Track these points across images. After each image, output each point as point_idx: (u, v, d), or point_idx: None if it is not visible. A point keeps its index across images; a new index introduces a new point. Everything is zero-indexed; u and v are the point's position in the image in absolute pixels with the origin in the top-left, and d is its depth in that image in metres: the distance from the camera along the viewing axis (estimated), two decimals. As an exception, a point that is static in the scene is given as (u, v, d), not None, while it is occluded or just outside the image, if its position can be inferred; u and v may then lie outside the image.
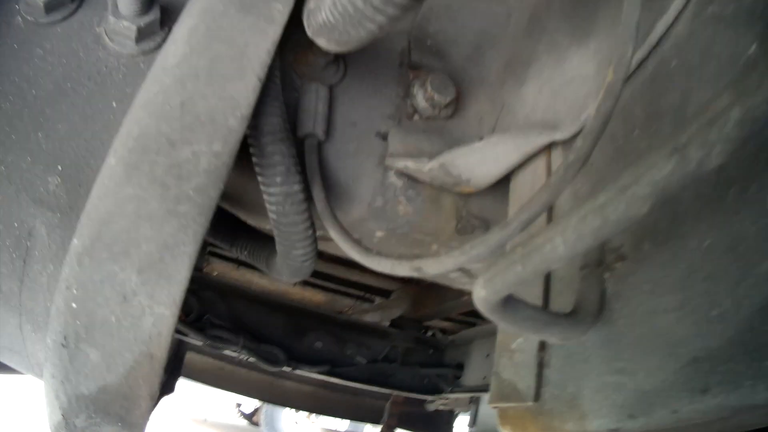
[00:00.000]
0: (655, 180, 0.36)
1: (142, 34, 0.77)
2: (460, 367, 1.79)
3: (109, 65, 0.78)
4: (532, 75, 0.81)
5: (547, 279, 0.70)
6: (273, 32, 0.71)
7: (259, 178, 0.73)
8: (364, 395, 2.24)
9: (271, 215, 0.74)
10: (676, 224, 0.58)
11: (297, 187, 0.72)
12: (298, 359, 1.67)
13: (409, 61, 0.90)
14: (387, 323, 2.03)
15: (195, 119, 0.66)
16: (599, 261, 0.66)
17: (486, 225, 0.85)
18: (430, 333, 2.13)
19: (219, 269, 2.04)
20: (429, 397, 2.00)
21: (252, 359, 1.63)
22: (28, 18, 0.80)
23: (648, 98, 0.65)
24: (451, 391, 1.80)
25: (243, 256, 0.92)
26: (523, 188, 0.79)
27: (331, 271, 1.89)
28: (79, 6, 0.81)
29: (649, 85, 0.65)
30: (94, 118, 0.76)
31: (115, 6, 0.76)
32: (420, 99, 0.84)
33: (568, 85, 0.73)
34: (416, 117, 0.86)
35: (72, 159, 0.74)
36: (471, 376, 1.72)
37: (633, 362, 0.59)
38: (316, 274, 0.87)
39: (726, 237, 0.52)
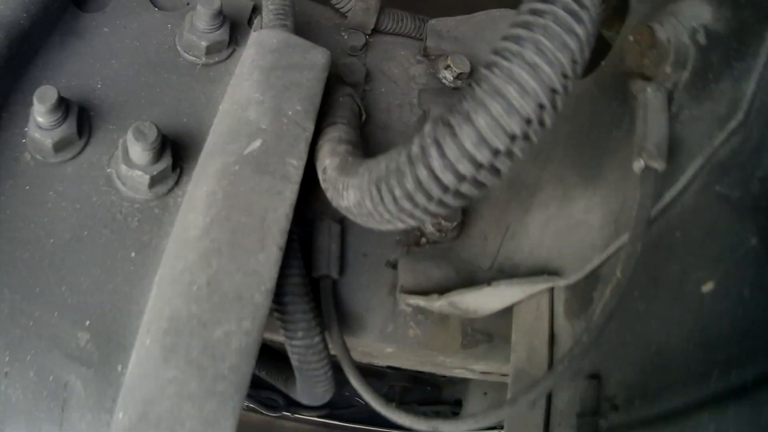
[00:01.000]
0: None
1: (154, 182, 0.88)
2: (458, 403, 1.97)
3: (124, 211, 0.90)
4: (537, 205, 0.95)
5: (546, 426, 0.86)
6: (290, 193, 0.83)
7: (282, 330, 0.87)
8: (364, 435, 2.43)
9: (294, 361, 0.89)
10: (665, 392, 0.73)
11: (317, 339, 0.86)
12: (297, 404, 1.84)
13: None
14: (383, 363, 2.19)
15: (223, 298, 0.78)
16: (595, 410, 0.82)
17: (489, 338, 1.00)
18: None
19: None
20: (428, 434, 2.18)
21: (251, 405, 1.80)
22: (37, 156, 0.91)
23: (650, 263, 0.79)
24: (451, 428, 1.98)
25: (262, 375, 1.07)
26: (526, 314, 0.94)
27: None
28: (86, 143, 0.92)
29: (652, 251, 0.79)
30: (115, 269, 0.88)
31: (126, 154, 0.87)
32: (428, 225, 0.97)
33: (573, 230, 0.87)
34: (423, 241, 0.99)
35: (98, 314, 0.86)
36: (470, 412, 1.91)
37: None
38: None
39: (707, 420, 0.67)
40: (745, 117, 0.69)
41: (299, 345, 0.86)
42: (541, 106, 0.54)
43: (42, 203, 0.89)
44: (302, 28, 1.09)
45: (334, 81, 0.99)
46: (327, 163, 0.81)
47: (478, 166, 0.56)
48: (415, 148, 0.60)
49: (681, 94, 0.77)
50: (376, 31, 1.17)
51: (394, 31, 1.18)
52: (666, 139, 0.72)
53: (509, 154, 0.56)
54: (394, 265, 0.99)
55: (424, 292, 0.94)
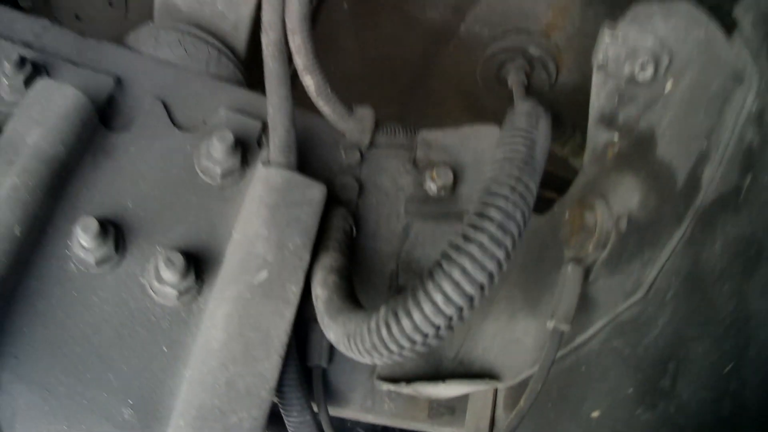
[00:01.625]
0: None
1: (181, 294, 1.16)
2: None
3: (156, 315, 1.18)
4: (492, 314, 1.24)
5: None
6: (289, 313, 1.13)
7: (280, 409, 1.18)
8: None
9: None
10: None
11: (308, 417, 1.18)
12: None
13: (397, 284, 1.32)
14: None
15: (237, 394, 1.09)
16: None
17: (452, 411, 1.32)
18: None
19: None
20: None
21: None
22: (81, 268, 1.17)
23: (561, 384, 1.09)
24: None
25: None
26: (477, 401, 1.28)
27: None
28: (123, 257, 1.19)
29: (564, 375, 1.09)
30: (151, 360, 1.17)
31: (158, 273, 1.15)
32: (404, 321, 1.27)
33: (513, 345, 1.17)
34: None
35: (138, 394, 1.15)
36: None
37: None
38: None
39: None
40: (644, 296, 0.97)
41: (294, 421, 1.18)
42: (461, 309, 0.83)
43: (88, 306, 1.17)
44: (304, 143, 1.35)
45: (329, 201, 1.25)
46: (318, 293, 1.10)
47: (413, 343, 0.86)
48: (372, 324, 0.90)
49: (599, 268, 1.06)
50: (370, 145, 1.42)
51: (387, 144, 1.43)
52: (574, 309, 1.01)
53: (438, 336, 0.86)
54: (374, 355, 1.29)
55: (396, 379, 1.24)
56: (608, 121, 1.15)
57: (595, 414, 0.99)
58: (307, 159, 1.31)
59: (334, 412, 1.28)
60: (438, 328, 0.84)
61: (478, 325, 1.26)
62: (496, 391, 1.23)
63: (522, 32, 1.70)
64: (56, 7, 1.93)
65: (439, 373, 1.23)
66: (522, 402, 1.01)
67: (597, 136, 1.17)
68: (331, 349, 1.26)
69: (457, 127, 1.43)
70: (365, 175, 1.40)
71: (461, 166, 1.39)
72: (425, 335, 0.85)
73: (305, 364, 1.25)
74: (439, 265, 0.84)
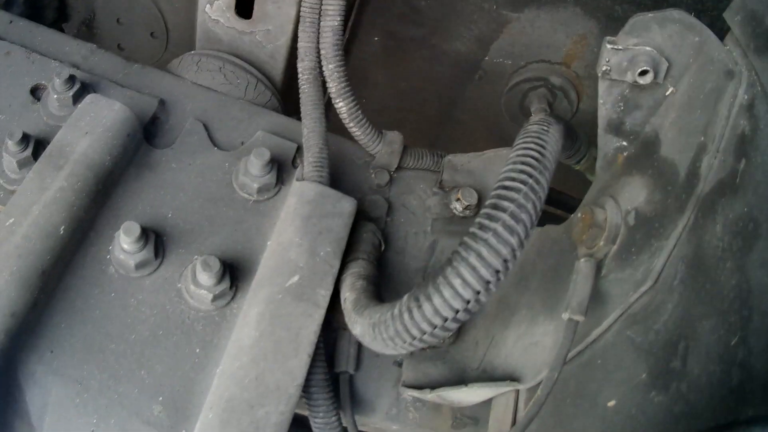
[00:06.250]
0: None
1: (216, 298, 1.48)
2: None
3: (191, 317, 1.49)
4: (514, 323, 1.54)
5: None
6: (318, 316, 1.43)
7: (307, 409, 1.47)
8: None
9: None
10: None
11: (334, 418, 1.47)
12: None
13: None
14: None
15: (266, 388, 1.38)
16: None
17: (476, 421, 1.60)
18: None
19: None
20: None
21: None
22: (121, 271, 1.50)
23: (579, 379, 1.37)
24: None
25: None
26: (499, 405, 1.56)
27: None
28: (161, 263, 1.52)
29: (581, 370, 1.37)
30: (184, 360, 1.47)
31: (195, 277, 1.47)
32: (427, 334, 1.57)
33: (534, 348, 1.46)
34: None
35: (169, 392, 1.45)
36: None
37: None
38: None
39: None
40: (654, 284, 1.26)
41: (320, 422, 1.47)
42: (478, 292, 1.11)
43: (125, 307, 1.48)
44: (336, 164, 1.71)
45: (359, 217, 1.58)
46: (347, 296, 1.41)
47: (433, 327, 1.14)
48: (395, 311, 1.19)
49: (609, 262, 1.36)
50: (399, 167, 1.78)
51: (414, 167, 1.80)
52: (587, 299, 1.30)
53: (456, 320, 1.13)
54: (399, 364, 1.60)
55: (421, 386, 1.53)
56: (616, 128, 1.48)
57: (611, 403, 1.26)
58: (339, 179, 1.67)
59: (360, 419, 1.56)
60: (456, 311, 1.11)
61: (500, 334, 1.55)
62: (517, 398, 1.50)
63: (543, 62, 2.08)
64: (99, 37, 2.36)
65: (464, 381, 1.52)
66: (539, 391, 1.29)
67: (606, 143, 1.50)
68: (359, 356, 1.57)
69: (481, 152, 1.77)
70: (394, 195, 1.75)
71: (485, 188, 1.74)
72: (444, 318, 1.12)
73: (333, 370, 1.55)
74: (458, 252, 1.12)
